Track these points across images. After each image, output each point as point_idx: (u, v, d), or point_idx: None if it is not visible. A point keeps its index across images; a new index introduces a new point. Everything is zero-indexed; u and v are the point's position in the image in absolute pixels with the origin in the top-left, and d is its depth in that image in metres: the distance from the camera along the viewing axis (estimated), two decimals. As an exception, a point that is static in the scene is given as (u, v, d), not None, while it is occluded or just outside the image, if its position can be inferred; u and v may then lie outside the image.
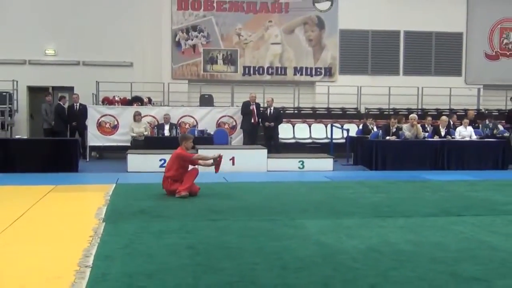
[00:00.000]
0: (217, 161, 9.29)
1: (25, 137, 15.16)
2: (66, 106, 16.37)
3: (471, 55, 20.34)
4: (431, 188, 10.28)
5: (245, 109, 15.59)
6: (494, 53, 20.52)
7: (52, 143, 13.47)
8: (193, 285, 4.44)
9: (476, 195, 9.40)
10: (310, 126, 17.85)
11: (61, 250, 5.52)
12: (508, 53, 20.60)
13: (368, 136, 15.13)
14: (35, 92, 18.36)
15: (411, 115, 14.79)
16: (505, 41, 20.56)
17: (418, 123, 14.69)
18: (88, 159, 15.29)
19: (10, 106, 16.91)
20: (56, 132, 15.79)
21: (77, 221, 7.01)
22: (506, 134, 15.56)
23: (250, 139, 15.41)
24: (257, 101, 15.91)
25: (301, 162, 13.42)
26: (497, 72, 20.32)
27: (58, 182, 10.36)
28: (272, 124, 15.41)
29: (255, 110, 15.57)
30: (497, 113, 18.55)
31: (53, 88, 18.47)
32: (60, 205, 8.25)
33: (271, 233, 6.30)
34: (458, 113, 17.57)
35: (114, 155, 15.66)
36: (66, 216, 7.38)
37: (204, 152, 11.12)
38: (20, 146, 12.83)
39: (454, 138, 14.58)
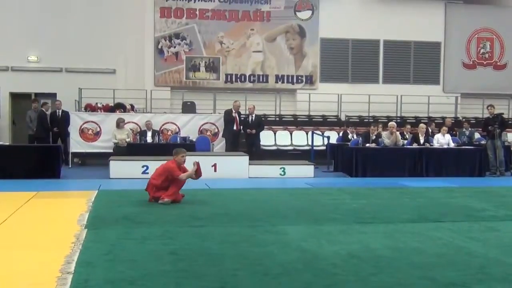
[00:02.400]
0: (195, 170, 9.22)
1: (7, 143, 15.07)
2: (48, 112, 16.32)
3: (449, 64, 20.64)
4: (410, 195, 10.39)
5: (227, 116, 15.65)
6: (471, 62, 20.84)
7: (34, 149, 13.45)
8: (176, 291, 4.46)
9: (454, 202, 9.52)
10: (291, 133, 17.96)
11: (43, 256, 5.49)
12: (484, 63, 20.93)
13: (348, 143, 15.28)
14: (17, 99, 18.28)
15: (390, 123, 14.94)
16: (481, 50, 20.90)
17: (397, 130, 14.86)
18: (70, 166, 15.24)
19: (-8, 112, 16.82)
20: (38, 138, 15.73)
21: (59, 228, 6.99)
22: (483, 142, 15.79)
23: (232, 146, 15.48)
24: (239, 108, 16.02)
25: (282, 169, 13.50)
26: (474, 81, 20.65)
27: (40, 189, 10.32)
28: (254, 131, 15.49)
29: (237, 118, 15.64)
30: (474, 121, 18.83)
31: (36, 94, 18.38)
32: (42, 212, 8.21)
33: (253, 239, 6.34)
34: (436, 121, 17.81)
35: (97, 162, 15.60)
36: (48, 223, 7.36)
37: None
38: (2, 153, 12.73)
39: (432, 145, 14.75)
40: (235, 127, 15.53)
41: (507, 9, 20.96)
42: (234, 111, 15.66)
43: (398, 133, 14.73)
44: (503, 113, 15.50)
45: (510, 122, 17.23)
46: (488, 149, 14.65)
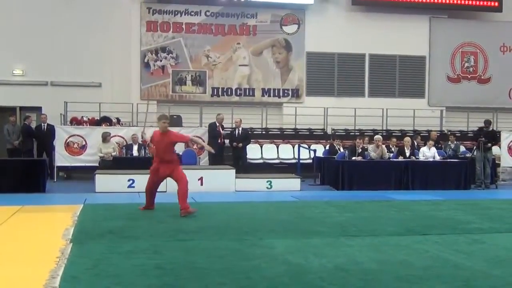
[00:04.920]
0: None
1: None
2: (33, 126, 16.23)
3: (433, 78, 20.84)
4: (396, 208, 10.42)
5: (212, 131, 15.64)
6: (455, 76, 21.05)
7: (19, 163, 13.30)
8: (162, 305, 4.44)
9: (440, 215, 9.56)
10: (277, 147, 17.98)
11: (27, 271, 5.45)
12: (469, 76, 21.16)
13: (335, 156, 15.31)
14: (2, 112, 18.09)
15: (376, 136, 15.02)
16: (466, 64, 21.13)
17: (383, 143, 14.94)
18: (55, 180, 15.13)
19: (-24, 126, 16.66)
20: (24, 151, 15.62)
21: (44, 242, 6.93)
22: (468, 155, 15.92)
23: (216, 160, 15.42)
24: (225, 121, 15.99)
25: (269, 182, 13.50)
26: (459, 94, 20.85)
27: (25, 203, 10.23)
28: (240, 144, 15.49)
29: (221, 131, 15.64)
30: (459, 134, 18.97)
31: (21, 108, 18.27)
32: (27, 226, 8.16)
33: (239, 253, 6.33)
34: (421, 134, 17.92)
35: (82, 176, 15.53)
36: (32, 237, 7.29)
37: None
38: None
39: (418, 158, 14.84)
40: (219, 140, 15.52)
41: (491, 24, 21.25)
42: (218, 124, 15.66)
43: (384, 146, 14.80)
44: (485, 126, 15.60)
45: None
46: (476, 161, 14.75)
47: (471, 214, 9.68)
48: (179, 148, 15.53)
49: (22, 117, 17.25)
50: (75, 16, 18.55)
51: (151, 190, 9.65)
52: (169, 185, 12.58)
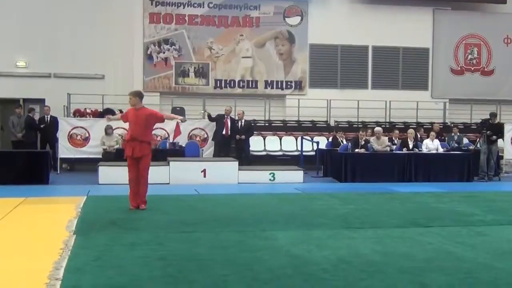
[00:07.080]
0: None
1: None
2: (36, 118, 16.25)
3: (437, 70, 20.75)
4: (399, 200, 10.42)
5: (219, 118, 15.67)
6: (459, 68, 20.97)
7: (23, 155, 13.30)
8: (165, 296, 4.45)
9: (443, 207, 9.57)
10: (280, 139, 17.95)
11: (31, 262, 5.47)
12: (472, 68, 21.08)
13: (338, 148, 15.31)
14: (5, 104, 18.12)
15: (376, 128, 15.01)
16: (469, 56, 21.04)
17: (385, 135, 14.91)
18: (59, 171, 15.14)
19: (-21, 118, 16.70)
20: (27, 143, 15.65)
21: (48, 234, 6.95)
22: (471, 147, 15.89)
23: (223, 151, 15.46)
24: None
25: (272, 174, 13.51)
26: (462, 86, 20.76)
27: (28, 194, 10.25)
28: (243, 136, 15.51)
29: (229, 123, 15.65)
30: (463, 127, 18.94)
31: (24, 100, 18.22)
32: (30, 218, 8.18)
33: (242, 244, 6.34)
34: (425, 127, 17.89)
35: (85, 167, 15.53)
36: (36, 229, 7.32)
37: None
38: (-11, 158, 12.64)
39: (421, 150, 14.83)
40: (224, 132, 15.55)
41: (494, 16, 21.14)
42: (226, 116, 15.69)
43: (384, 138, 14.79)
44: (490, 119, 15.58)
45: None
46: (481, 153, 14.72)
47: (474, 206, 9.67)
48: (183, 139, 15.58)
49: (27, 109, 17.24)
50: (78, 7, 18.49)
51: (136, 179, 8.93)
52: (172, 177, 12.67)
